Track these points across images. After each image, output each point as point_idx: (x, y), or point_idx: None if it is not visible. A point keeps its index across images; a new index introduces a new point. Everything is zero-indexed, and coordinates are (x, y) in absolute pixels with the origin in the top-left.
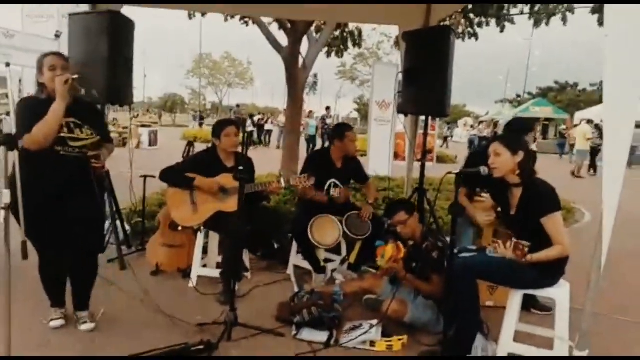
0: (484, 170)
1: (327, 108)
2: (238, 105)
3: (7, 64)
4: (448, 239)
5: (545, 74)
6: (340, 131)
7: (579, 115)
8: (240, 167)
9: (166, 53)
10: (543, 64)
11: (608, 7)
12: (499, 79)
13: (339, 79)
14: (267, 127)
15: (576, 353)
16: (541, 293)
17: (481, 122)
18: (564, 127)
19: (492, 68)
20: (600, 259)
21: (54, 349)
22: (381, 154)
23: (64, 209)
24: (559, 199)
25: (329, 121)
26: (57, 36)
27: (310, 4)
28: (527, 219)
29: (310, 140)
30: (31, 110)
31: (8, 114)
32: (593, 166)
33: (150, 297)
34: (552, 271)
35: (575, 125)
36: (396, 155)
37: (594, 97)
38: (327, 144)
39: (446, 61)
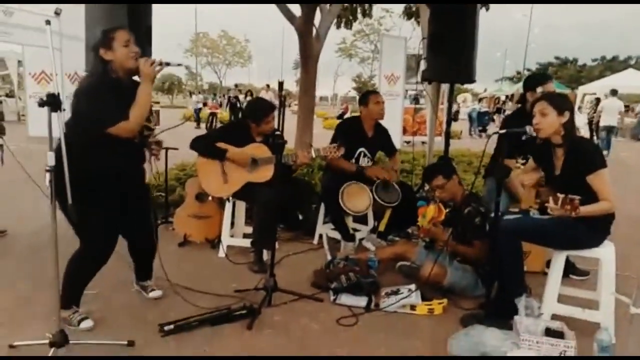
0: (529, 129)
1: None
2: (236, 85)
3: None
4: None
5: (544, 51)
6: (363, 98)
7: (582, 89)
8: (277, 132)
9: (160, 32)
10: (543, 41)
11: None
12: (496, 55)
13: (338, 57)
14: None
15: (633, 310)
16: (586, 253)
17: (481, 99)
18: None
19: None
20: None
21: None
22: (391, 129)
23: (133, 193)
24: (603, 156)
25: None
26: (57, 14)
27: None
28: (572, 178)
29: None
30: (109, 93)
31: (7, 95)
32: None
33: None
34: (599, 228)
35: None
36: (404, 130)
37: (595, 73)
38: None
39: (473, 27)
